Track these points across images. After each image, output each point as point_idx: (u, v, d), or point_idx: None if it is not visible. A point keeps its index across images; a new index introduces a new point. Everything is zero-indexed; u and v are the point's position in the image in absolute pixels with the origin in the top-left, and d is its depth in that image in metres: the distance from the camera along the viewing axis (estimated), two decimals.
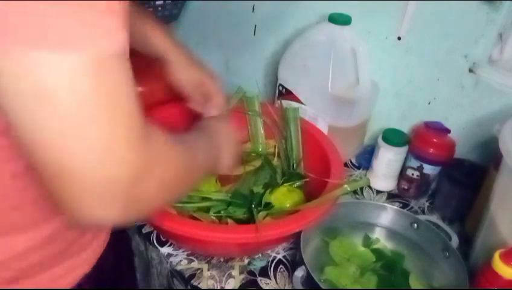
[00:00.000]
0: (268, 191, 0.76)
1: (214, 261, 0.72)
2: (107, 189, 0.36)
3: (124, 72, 0.36)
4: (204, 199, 0.74)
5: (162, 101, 0.89)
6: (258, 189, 0.78)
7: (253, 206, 0.72)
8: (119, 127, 0.36)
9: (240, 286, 0.69)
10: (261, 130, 0.89)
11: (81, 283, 0.56)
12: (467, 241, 0.74)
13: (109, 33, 0.33)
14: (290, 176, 0.82)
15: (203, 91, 0.77)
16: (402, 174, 0.90)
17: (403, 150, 0.87)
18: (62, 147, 0.34)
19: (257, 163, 0.85)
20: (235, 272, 0.71)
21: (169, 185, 0.44)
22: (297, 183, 0.80)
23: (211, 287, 0.68)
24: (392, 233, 0.77)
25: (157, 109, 0.86)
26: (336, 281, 0.68)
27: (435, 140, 0.84)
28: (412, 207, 0.88)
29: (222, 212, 0.73)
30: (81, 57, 0.32)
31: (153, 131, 0.42)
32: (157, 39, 0.74)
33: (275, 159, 0.87)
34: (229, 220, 0.71)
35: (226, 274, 0.70)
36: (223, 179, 0.81)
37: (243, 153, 0.87)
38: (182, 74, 0.76)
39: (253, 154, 0.87)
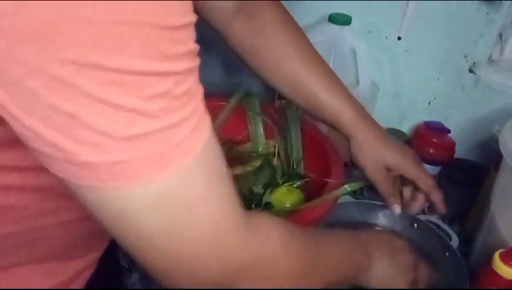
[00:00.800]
0: (268, 191, 0.76)
1: None
2: (203, 280, 0.37)
3: (217, 155, 0.35)
4: None
5: None
6: (258, 189, 0.78)
7: (253, 206, 0.72)
8: (221, 219, 0.35)
9: None
10: (261, 130, 0.89)
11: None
12: (467, 241, 0.74)
13: (176, 147, 0.32)
14: (290, 176, 0.82)
15: (396, 176, 0.65)
16: None
17: None
18: (167, 247, 0.34)
19: (257, 163, 0.85)
20: None
21: (276, 284, 0.41)
22: (297, 183, 0.80)
23: None
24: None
25: None
26: None
27: (435, 140, 0.84)
28: None
29: None
30: (153, 185, 0.32)
31: (262, 220, 0.40)
32: (343, 112, 0.63)
33: (275, 159, 0.87)
34: None
35: None
36: None
37: (243, 153, 0.87)
38: (357, 153, 0.64)
39: (253, 154, 0.87)
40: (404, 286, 0.56)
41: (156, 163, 0.31)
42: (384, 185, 0.64)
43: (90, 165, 0.29)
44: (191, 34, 0.31)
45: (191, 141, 0.32)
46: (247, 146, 0.90)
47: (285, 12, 0.68)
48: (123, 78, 0.28)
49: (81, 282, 0.54)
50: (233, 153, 0.87)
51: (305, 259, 0.43)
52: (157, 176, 0.31)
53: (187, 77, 0.32)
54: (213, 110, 0.88)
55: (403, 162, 0.63)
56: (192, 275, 0.36)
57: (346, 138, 0.65)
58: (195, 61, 0.32)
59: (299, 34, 0.67)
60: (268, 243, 0.39)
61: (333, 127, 0.66)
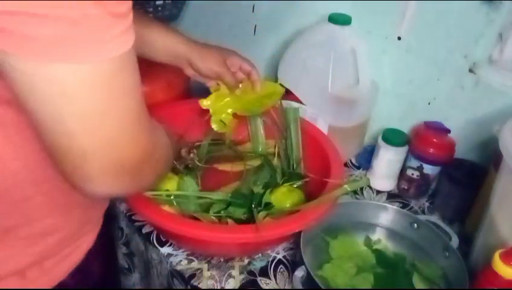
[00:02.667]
0: (268, 191, 0.76)
1: (214, 261, 0.72)
2: (119, 168, 0.42)
3: (132, 67, 0.40)
4: (204, 198, 0.74)
5: (162, 101, 0.89)
6: (258, 189, 0.78)
7: (253, 206, 0.72)
8: (131, 118, 0.41)
9: (240, 286, 0.69)
10: (261, 130, 0.89)
11: (66, 282, 0.57)
12: (467, 241, 0.74)
13: (116, 37, 0.37)
14: (290, 176, 0.82)
15: (229, 66, 0.80)
16: (402, 174, 0.90)
17: (403, 150, 0.87)
18: (83, 136, 0.39)
19: (257, 163, 0.85)
20: (235, 272, 0.71)
21: (161, 166, 0.52)
22: (297, 183, 0.80)
23: (211, 287, 0.68)
24: (392, 233, 0.77)
25: (157, 108, 0.86)
26: (331, 278, 0.68)
27: (435, 140, 0.84)
28: (412, 207, 0.88)
29: (222, 212, 0.72)
30: (91, 66, 0.37)
31: (154, 121, 0.48)
32: (179, 46, 0.77)
33: (275, 159, 0.87)
34: (229, 220, 0.71)
35: (226, 274, 0.70)
36: (223, 179, 0.81)
37: (243, 153, 0.87)
38: (201, 63, 0.78)
39: (253, 154, 0.87)
40: None
41: (94, 46, 0.35)
42: (229, 75, 0.80)
43: (37, 39, 0.33)
44: None
45: (124, 37, 0.37)
46: (247, 146, 0.90)
47: None
48: None
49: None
50: (233, 153, 0.87)
51: (169, 148, 0.55)
52: (96, 58, 0.36)
53: None
54: None
55: (234, 54, 0.82)
56: (112, 159, 0.41)
57: (187, 63, 0.79)
58: None
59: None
60: (159, 137, 0.50)
61: (174, 60, 0.79)
